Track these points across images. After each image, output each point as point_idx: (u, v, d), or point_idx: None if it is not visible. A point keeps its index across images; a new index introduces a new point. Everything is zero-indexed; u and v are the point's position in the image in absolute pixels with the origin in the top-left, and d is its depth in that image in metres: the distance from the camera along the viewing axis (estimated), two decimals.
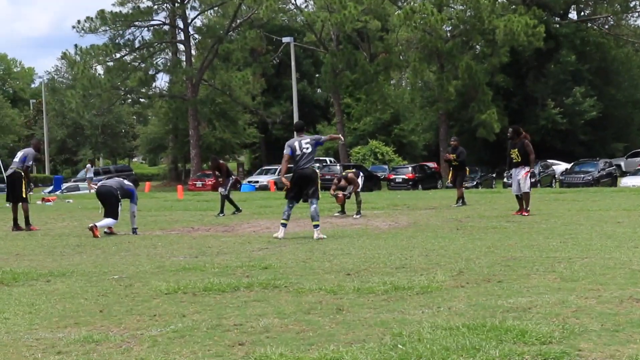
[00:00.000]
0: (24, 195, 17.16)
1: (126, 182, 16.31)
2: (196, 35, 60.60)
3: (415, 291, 7.76)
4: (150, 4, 57.86)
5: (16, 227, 17.03)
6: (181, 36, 59.78)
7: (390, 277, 8.57)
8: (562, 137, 60.17)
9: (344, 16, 49.20)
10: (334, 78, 55.34)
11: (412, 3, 52.64)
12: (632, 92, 65.03)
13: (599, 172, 44.01)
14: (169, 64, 61.52)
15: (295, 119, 49.30)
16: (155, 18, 58.90)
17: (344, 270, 9.37)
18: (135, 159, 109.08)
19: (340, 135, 18.09)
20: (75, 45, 58.11)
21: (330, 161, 57.78)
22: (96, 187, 18.18)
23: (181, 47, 61.42)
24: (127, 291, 8.31)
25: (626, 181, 40.31)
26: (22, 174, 17.21)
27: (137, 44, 58.48)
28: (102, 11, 55.20)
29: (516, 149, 17.91)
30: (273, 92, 73.15)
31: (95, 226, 14.95)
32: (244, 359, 5.42)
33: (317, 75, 74.70)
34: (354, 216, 19.08)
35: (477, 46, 59.80)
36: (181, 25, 59.25)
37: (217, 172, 22.22)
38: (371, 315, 6.70)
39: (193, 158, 58.31)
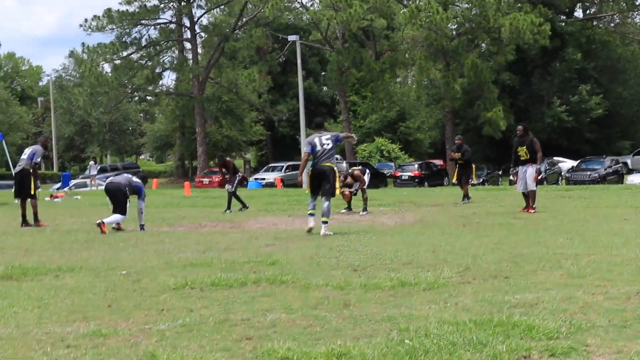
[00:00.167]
0: (32, 192, 17.22)
1: (134, 178, 16.36)
2: (202, 34, 60.63)
3: (422, 287, 7.77)
4: (157, 2, 57.89)
5: (25, 223, 17.09)
6: (188, 34, 59.81)
7: (397, 273, 8.59)
8: (568, 135, 60.06)
9: (349, 14, 49.15)
10: (340, 76, 55.32)
11: (417, 1, 52.51)
12: (638, 90, 64.84)
13: (605, 169, 43.94)
14: (175, 62, 61.59)
15: (302, 116, 49.28)
16: (161, 16, 59.01)
17: (351, 266, 9.39)
18: (142, 156, 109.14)
19: (353, 135, 18.18)
20: (83, 44, 58.42)
21: (337, 158, 57.69)
22: (103, 184, 18.23)
23: (188, 45, 61.47)
24: (135, 286, 8.34)
25: (633, 178, 40.28)
26: (31, 170, 17.28)
27: (144, 42, 58.55)
28: (109, 10, 55.30)
29: (524, 147, 17.92)
30: (279, 90, 73.16)
31: (103, 222, 15.00)
32: (251, 353, 5.45)
33: (323, 73, 74.68)
34: (361, 213, 19.10)
35: (483, 44, 59.70)
36: (188, 23, 59.30)
37: (223, 170, 22.30)
38: (378, 310, 6.72)
39: (200, 155, 58.37)
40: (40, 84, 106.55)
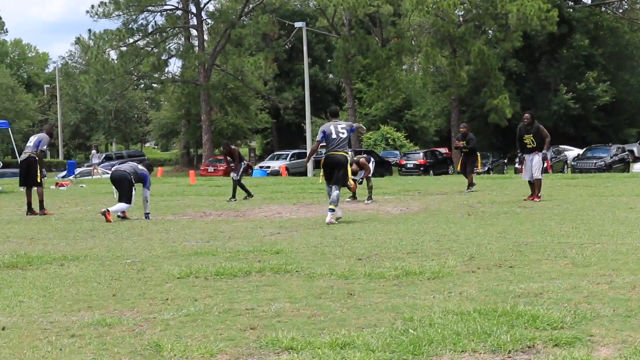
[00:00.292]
0: (38, 180, 17.25)
1: (140, 166, 16.37)
2: (209, 20, 60.53)
3: (427, 276, 7.78)
4: None
5: (30, 211, 17.11)
6: (194, 21, 59.74)
7: (401, 262, 8.59)
8: (575, 122, 59.93)
9: (356, 1, 49.06)
10: (346, 63, 55.24)
11: None
12: None
13: (611, 157, 43.87)
14: (181, 49, 61.52)
15: (307, 104, 49.24)
16: (168, 3, 58.97)
17: (355, 255, 9.40)
18: (147, 144, 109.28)
19: (362, 125, 18.24)
20: (89, 30, 58.42)
21: None
22: (109, 172, 18.25)
23: (194, 32, 61.37)
24: (139, 275, 8.36)
25: (639, 167, 40.16)
26: (37, 158, 17.30)
27: (150, 29, 58.54)
28: None
29: (531, 134, 17.88)
30: (285, 77, 73.08)
31: (108, 211, 15.02)
32: (255, 343, 5.45)
33: (329, 60, 74.55)
34: (366, 201, 19.09)
35: (490, 31, 59.50)
36: (194, 10, 59.20)
37: (229, 158, 22.30)
38: (382, 300, 6.73)
39: (205, 143, 58.38)
40: (47, 71, 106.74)
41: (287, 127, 76.69)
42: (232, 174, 21.71)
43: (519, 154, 18.81)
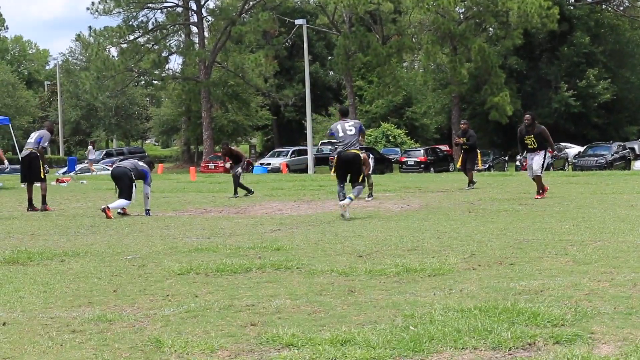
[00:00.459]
0: (42, 176, 17.30)
1: (140, 163, 16.40)
2: (209, 17, 60.46)
3: (427, 273, 7.77)
4: None
5: (31, 207, 17.13)
6: (194, 18, 59.68)
7: (402, 259, 8.59)
8: (576, 120, 59.92)
9: None
10: (347, 60, 55.19)
11: None
12: None
13: (612, 155, 43.87)
14: (182, 46, 61.50)
15: (308, 101, 49.21)
16: (168, 0, 58.89)
17: (356, 252, 9.39)
18: (148, 141, 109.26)
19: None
20: (90, 27, 58.32)
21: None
22: (109, 169, 18.26)
23: (194, 29, 61.35)
24: (140, 271, 8.36)
25: None
26: (38, 154, 17.33)
27: (150, 26, 58.49)
28: None
29: (532, 136, 17.87)
30: (285, 75, 73.03)
31: (108, 207, 15.03)
32: (256, 339, 5.45)
33: (329, 57, 74.50)
34: (366, 198, 19.08)
35: (490, 28, 59.46)
36: (194, 7, 59.17)
37: (227, 158, 22.36)
38: (383, 297, 6.72)
39: (205, 140, 58.35)
40: (47, 67, 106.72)
41: (288, 124, 76.69)
42: (236, 170, 21.63)
43: (520, 156, 18.83)
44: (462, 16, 55.75)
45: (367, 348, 5.09)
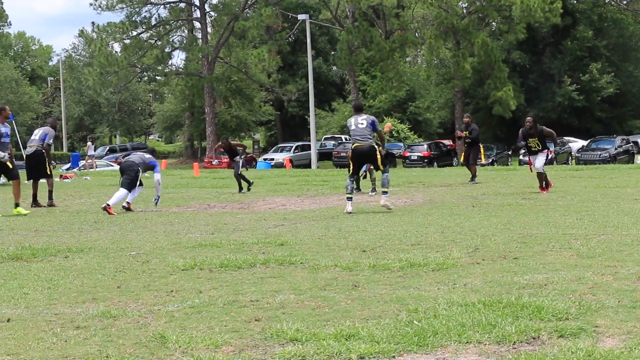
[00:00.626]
0: (48, 172, 17.42)
1: (147, 155, 16.57)
2: (212, 13, 60.46)
3: (431, 268, 7.77)
4: None
5: (35, 203, 17.16)
6: (197, 13, 59.66)
7: (405, 254, 8.59)
8: (579, 114, 59.82)
9: None
10: (350, 55, 55.13)
11: None
12: None
13: (615, 149, 43.80)
14: (185, 42, 61.47)
15: (311, 96, 49.21)
16: None
17: (360, 247, 9.39)
18: (151, 137, 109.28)
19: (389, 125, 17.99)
20: (93, 23, 58.33)
21: (346, 139, 57.69)
22: (113, 164, 18.31)
23: (197, 24, 61.32)
24: (144, 267, 8.37)
25: None
26: (44, 151, 17.42)
27: (153, 22, 58.51)
28: None
29: (535, 138, 17.84)
30: (289, 70, 73.00)
31: (109, 205, 15.02)
32: (260, 334, 5.45)
33: (332, 52, 74.43)
34: (370, 193, 19.08)
35: (494, 23, 59.37)
36: (197, 2, 59.13)
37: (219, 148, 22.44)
38: (387, 291, 6.72)
39: (209, 135, 58.36)
40: (50, 63, 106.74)
41: (291, 119, 76.67)
42: (235, 165, 21.61)
43: (523, 153, 18.86)
44: (465, 10, 55.64)
45: (372, 343, 5.09)
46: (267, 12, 55.22)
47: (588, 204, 14.49)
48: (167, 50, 59.31)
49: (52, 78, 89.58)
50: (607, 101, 59.84)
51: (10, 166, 15.52)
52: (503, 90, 51.64)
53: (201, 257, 8.77)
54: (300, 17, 51.35)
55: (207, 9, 59.42)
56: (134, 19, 57.67)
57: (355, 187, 19.93)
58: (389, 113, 63.56)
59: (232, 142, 22.55)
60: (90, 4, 56.13)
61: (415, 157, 47.96)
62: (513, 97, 51.91)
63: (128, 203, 15.61)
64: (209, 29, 61.34)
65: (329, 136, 63.78)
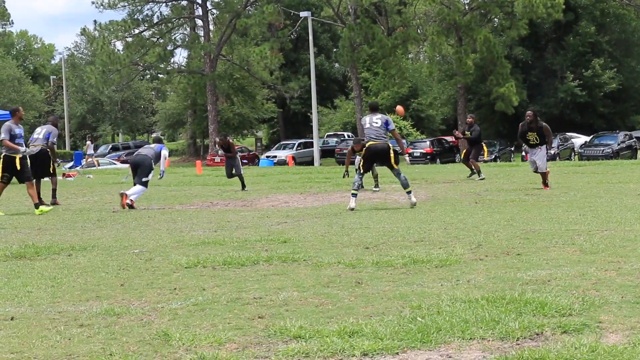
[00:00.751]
0: (51, 171, 17.50)
1: (153, 144, 17.00)
2: (214, 10, 60.39)
3: (434, 264, 7.77)
4: None
5: (40, 202, 17.17)
6: (199, 11, 59.62)
7: (409, 251, 8.58)
8: (582, 109, 59.76)
9: None
10: (352, 52, 55.06)
11: None
12: None
13: (618, 144, 43.75)
14: (187, 40, 61.43)
15: (313, 93, 49.20)
16: None
17: (363, 244, 9.39)
18: (154, 135, 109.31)
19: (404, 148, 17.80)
20: (95, 21, 58.38)
21: (349, 136, 57.74)
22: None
23: (199, 22, 61.26)
24: (147, 265, 8.37)
25: None
26: (49, 150, 17.49)
27: (155, 20, 58.40)
28: None
29: (534, 132, 17.87)
30: (291, 67, 72.93)
31: (126, 194, 15.48)
32: (263, 331, 5.46)
33: (334, 49, 74.33)
34: (373, 189, 19.08)
35: (496, 19, 59.28)
36: (199, 0, 59.10)
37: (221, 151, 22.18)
38: (390, 288, 6.72)
39: (211, 133, 58.30)
40: (53, 62, 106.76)
41: (294, 116, 76.62)
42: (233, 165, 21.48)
43: (524, 147, 18.89)
44: (467, 7, 55.56)
45: (375, 339, 5.09)
46: (269, 10, 55.18)
47: (591, 199, 14.48)
48: (169, 48, 59.25)
49: (55, 76, 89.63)
50: (610, 97, 59.76)
51: (20, 168, 15.47)
52: (505, 87, 51.59)
53: (204, 254, 8.78)
54: (302, 14, 51.33)
55: (209, 7, 59.37)
56: (136, 17, 57.60)
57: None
58: (392, 110, 63.49)
59: (230, 141, 22.43)
60: (92, 2, 56.09)
61: (418, 154, 47.93)
62: (515, 93, 51.85)
63: (132, 201, 15.65)
64: (211, 27, 61.29)
65: (332, 133, 63.74)
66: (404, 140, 55.32)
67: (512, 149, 50.42)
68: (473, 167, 22.42)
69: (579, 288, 6.44)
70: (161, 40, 58.35)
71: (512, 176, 22.80)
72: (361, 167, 14.84)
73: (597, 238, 9.18)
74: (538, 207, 13.30)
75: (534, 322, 5.37)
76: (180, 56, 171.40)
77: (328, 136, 62.37)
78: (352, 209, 13.89)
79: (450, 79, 58.66)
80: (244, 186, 20.99)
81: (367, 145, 14.59)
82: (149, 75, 79.42)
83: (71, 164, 47.21)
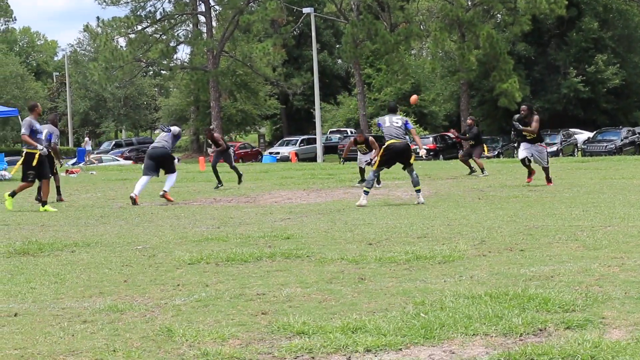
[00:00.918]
0: (54, 170, 17.55)
1: (163, 134, 17.18)
2: (217, 7, 60.36)
3: (437, 260, 7.77)
4: None
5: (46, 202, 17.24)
6: (202, 7, 59.58)
7: (412, 247, 8.59)
8: (584, 105, 59.66)
9: None
10: (355, 48, 55.03)
11: None
12: None
13: (621, 140, 43.72)
14: (190, 36, 61.38)
15: (316, 90, 49.18)
16: None
17: (366, 240, 9.40)
18: (157, 131, 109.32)
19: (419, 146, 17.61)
20: (97, 18, 58.24)
21: (351, 132, 57.69)
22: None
23: (202, 18, 61.21)
24: (150, 261, 8.38)
25: None
26: (52, 151, 17.51)
27: (158, 16, 58.37)
28: None
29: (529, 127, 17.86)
30: (294, 63, 72.90)
31: (166, 192, 15.96)
32: (267, 328, 5.46)
33: (337, 45, 74.32)
34: (376, 185, 19.06)
35: (499, 15, 59.18)
36: None
37: (213, 145, 21.84)
38: (393, 284, 6.73)
39: (214, 130, 58.34)
40: (56, 58, 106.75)
41: (296, 112, 76.59)
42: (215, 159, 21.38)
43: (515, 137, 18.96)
44: (470, 3, 55.47)
45: (378, 335, 5.10)
46: (272, 6, 55.13)
47: (594, 195, 14.46)
48: (172, 44, 59.23)
49: (58, 73, 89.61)
50: (613, 92, 59.64)
51: (39, 165, 15.43)
52: (508, 82, 51.51)
53: (207, 251, 8.78)
54: (305, 10, 51.28)
55: (212, 3, 59.33)
56: (138, 13, 57.60)
57: (361, 179, 19.96)
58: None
59: (216, 134, 22.32)
60: None
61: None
62: (518, 89, 51.77)
63: (136, 195, 15.70)
64: (214, 23, 61.27)
65: (335, 129, 63.72)
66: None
67: (515, 145, 50.34)
68: (475, 166, 22.43)
69: (582, 284, 6.44)
70: (164, 37, 58.34)
71: (515, 172, 22.78)
72: (376, 165, 15.02)
73: (600, 234, 9.18)
74: (541, 203, 13.29)
75: (537, 318, 5.37)
76: (183, 52, 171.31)
77: (331, 132, 62.35)
78: (361, 206, 13.84)
79: (453, 75, 58.57)
80: (239, 178, 20.89)
81: (387, 144, 14.64)
82: (151, 72, 79.37)
83: (74, 160, 47.24)
